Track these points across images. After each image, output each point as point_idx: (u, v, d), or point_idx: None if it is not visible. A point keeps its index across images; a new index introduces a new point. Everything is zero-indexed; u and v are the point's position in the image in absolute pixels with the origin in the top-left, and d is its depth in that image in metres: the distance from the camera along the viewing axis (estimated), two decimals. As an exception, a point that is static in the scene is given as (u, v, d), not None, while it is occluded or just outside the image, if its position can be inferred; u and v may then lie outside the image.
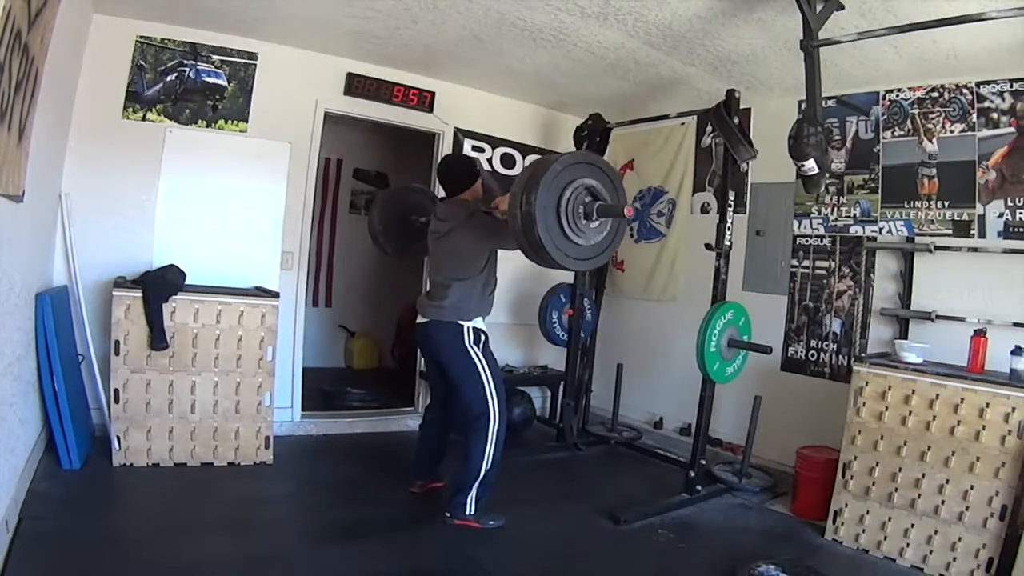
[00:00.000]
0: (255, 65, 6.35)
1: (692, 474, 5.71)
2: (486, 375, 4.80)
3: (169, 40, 6.00)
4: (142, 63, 5.89)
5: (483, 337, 4.89)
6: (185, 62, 6.06)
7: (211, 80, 6.18)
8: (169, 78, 6.01)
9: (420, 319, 5.00)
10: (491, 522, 4.76)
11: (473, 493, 4.74)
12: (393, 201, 5.97)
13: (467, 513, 4.73)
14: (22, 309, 4.33)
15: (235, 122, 6.29)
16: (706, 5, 4.92)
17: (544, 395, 8.19)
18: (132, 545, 4.04)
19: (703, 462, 5.78)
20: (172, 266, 5.62)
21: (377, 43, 6.29)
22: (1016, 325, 5.03)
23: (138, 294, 5.23)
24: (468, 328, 4.80)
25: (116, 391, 5.21)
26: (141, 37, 5.88)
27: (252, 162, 6.40)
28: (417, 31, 5.91)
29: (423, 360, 6.68)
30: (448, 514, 4.75)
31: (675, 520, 5.31)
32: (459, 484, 4.78)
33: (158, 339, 5.26)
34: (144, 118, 5.93)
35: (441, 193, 5.38)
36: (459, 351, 4.82)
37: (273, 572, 3.98)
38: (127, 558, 3.87)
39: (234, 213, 6.34)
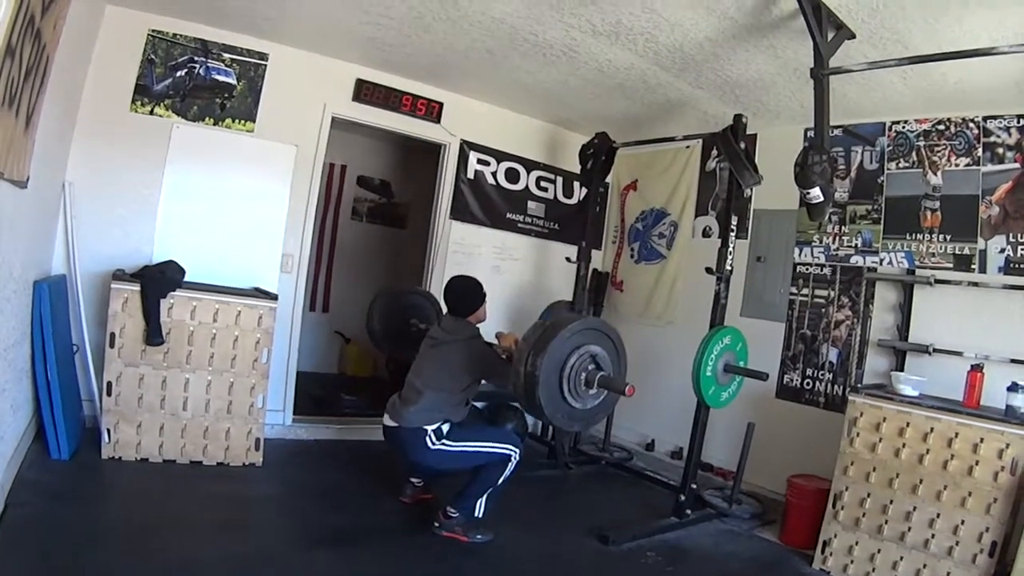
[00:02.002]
0: (265, 66, 6.37)
1: (682, 498, 5.67)
2: (473, 447, 4.76)
3: (181, 35, 6.01)
4: (152, 57, 5.91)
5: (446, 428, 4.77)
6: (196, 58, 6.08)
7: (221, 78, 6.19)
8: (179, 73, 6.02)
9: (388, 422, 4.91)
10: (479, 536, 4.73)
11: (484, 498, 4.74)
12: (394, 303, 6.16)
13: (475, 515, 4.73)
14: (20, 295, 4.32)
15: (242, 122, 6.30)
16: (718, 29, 4.94)
17: (537, 412, 8.13)
18: (118, 539, 4.00)
19: (694, 486, 5.75)
20: (172, 262, 5.61)
21: (388, 50, 6.31)
22: (1014, 361, 5.03)
23: (136, 288, 5.22)
24: (430, 431, 4.72)
25: (109, 384, 5.19)
26: (153, 31, 5.89)
27: (257, 163, 6.41)
28: (429, 41, 5.93)
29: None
30: (436, 524, 4.74)
31: (664, 543, 5.29)
32: (469, 490, 4.76)
33: (154, 334, 5.24)
34: (152, 112, 5.94)
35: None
36: (426, 453, 4.76)
37: (260, 573, 3.96)
38: (112, 551, 3.84)
39: (236, 213, 6.34)
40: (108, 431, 5.18)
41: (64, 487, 4.52)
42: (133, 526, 4.20)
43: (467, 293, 5.11)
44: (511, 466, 4.76)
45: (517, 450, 4.78)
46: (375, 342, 6.04)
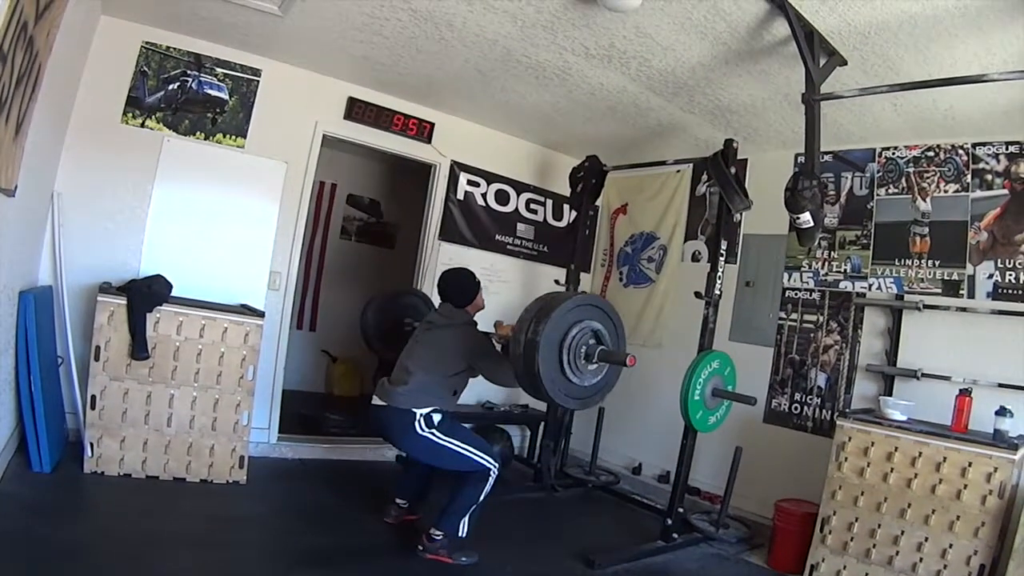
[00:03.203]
0: (258, 82, 6.37)
1: (669, 521, 5.64)
2: (458, 447, 4.70)
3: (174, 48, 6.01)
4: (145, 69, 5.90)
5: (437, 418, 4.72)
6: (188, 72, 6.07)
7: (213, 93, 6.18)
8: (171, 87, 6.01)
9: (376, 401, 4.86)
10: (464, 559, 4.66)
11: (467, 517, 4.67)
12: (389, 303, 6.13)
13: (459, 535, 4.66)
14: (5, 306, 4.29)
15: (233, 137, 6.29)
16: (710, 54, 4.98)
17: (523, 434, 8.13)
18: (96, 555, 3.93)
19: (681, 510, 5.71)
20: (159, 276, 5.57)
21: (381, 70, 6.33)
22: (1001, 386, 5.04)
23: (122, 301, 5.18)
24: (420, 415, 4.66)
25: (93, 397, 5.14)
26: (147, 43, 5.89)
27: (247, 179, 6.39)
28: (421, 61, 5.95)
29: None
30: (421, 547, 4.66)
31: (649, 567, 5.25)
32: (451, 509, 4.69)
33: (139, 348, 5.20)
34: (143, 125, 5.92)
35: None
36: (413, 438, 4.70)
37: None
38: (91, 567, 3.78)
39: (225, 228, 6.32)
40: (91, 445, 5.12)
41: (44, 501, 4.46)
42: (113, 542, 4.14)
43: (463, 284, 5.12)
44: (490, 483, 4.71)
45: (496, 465, 4.75)
46: (369, 342, 5.96)
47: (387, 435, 4.93)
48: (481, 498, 4.70)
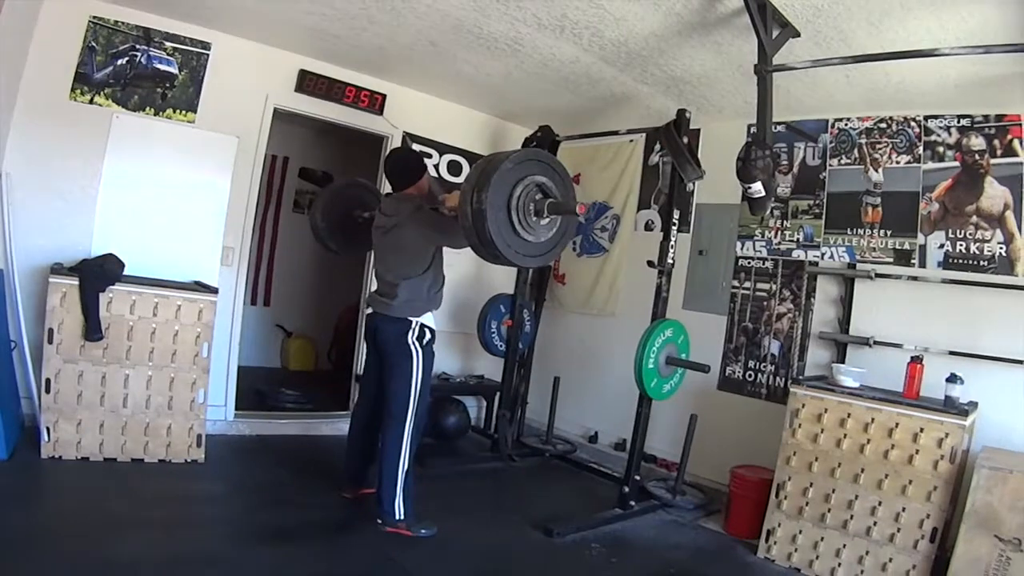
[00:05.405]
0: (208, 55, 6.25)
1: (626, 489, 5.71)
2: (417, 377, 4.76)
3: (123, 23, 5.86)
4: (94, 44, 5.74)
5: (428, 335, 4.86)
6: (137, 47, 5.94)
7: (162, 67, 6.05)
8: (120, 62, 5.87)
9: (371, 310, 4.99)
10: (423, 530, 4.70)
11: (399, 497, 4.67)
12: (337, 196, 5.91)
13: (397, 519, 4.66)
14: (-45, 290, 4.20)
15: (183, 112, 6.18)
16: (663, 24, 4.97)
17: (480, 405, 8.17)
18: (56, 541, 3.91)
19: (637, 478, 5.78)
20: (111, 255, 5.47)
21: (332, 41, 6.24)
22: (952, 353, 5.16)
23: (75, 282, 5.11)
24: (415, 324, 4.78)
25: (47, 381, 5.07)
26: (94, 18, 5.73)
27: (198, 154, 6.29)
28: (373, 32, 5.88)
29: (362, 357, 6.57)
30: (380, 520, 4.68)
31: (608, 535, 5.31)
32: (381, 488, 4.70)
33: (93, 329, 5.14)
34: (92, 101, 5.79)
35: (386, 189, 5.43)
36: (402, 347, 4.77)
37: (201, 573, 3.88)
38: (52, 553, 3.75)
39: (176, 204, 6.21)
40: (47, 429, 5.06)
41: (2, 488, 4.42)
42: (73, 527, 4.11)
43: (404, 162, 5.19)
44: (406, 437, 4.73)
45: (415, 416, 4.78)
46: (320, 239, 5.80)
47: (378, 341, 4.95)
48: (400, 467, 4.69)
